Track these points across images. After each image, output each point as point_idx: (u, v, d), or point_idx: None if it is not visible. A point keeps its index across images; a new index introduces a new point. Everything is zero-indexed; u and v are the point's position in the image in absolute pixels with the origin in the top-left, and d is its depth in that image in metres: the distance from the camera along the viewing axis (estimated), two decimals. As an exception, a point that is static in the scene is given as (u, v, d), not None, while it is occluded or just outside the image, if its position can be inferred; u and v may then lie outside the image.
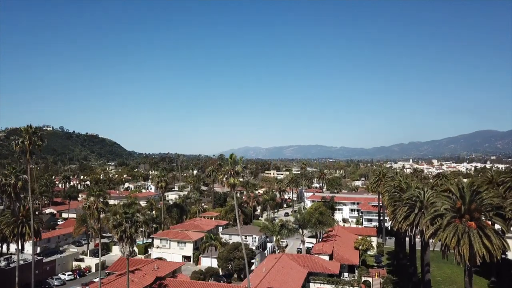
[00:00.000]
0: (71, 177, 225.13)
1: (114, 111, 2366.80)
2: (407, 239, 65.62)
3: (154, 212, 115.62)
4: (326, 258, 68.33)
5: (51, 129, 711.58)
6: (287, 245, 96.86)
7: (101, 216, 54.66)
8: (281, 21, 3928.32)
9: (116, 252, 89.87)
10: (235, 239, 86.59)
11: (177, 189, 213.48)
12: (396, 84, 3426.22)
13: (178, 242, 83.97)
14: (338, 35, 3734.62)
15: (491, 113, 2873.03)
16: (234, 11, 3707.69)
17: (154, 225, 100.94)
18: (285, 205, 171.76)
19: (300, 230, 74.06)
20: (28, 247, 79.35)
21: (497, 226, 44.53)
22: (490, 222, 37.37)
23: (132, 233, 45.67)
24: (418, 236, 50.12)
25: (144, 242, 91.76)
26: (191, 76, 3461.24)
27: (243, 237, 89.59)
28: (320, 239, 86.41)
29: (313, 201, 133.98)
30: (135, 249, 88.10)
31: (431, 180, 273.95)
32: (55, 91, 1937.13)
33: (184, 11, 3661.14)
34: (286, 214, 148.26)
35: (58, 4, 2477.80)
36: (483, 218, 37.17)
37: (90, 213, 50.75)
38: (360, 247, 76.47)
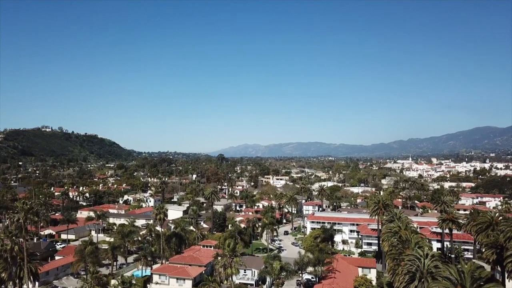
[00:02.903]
0: (70, 188, 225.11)
1: (113, 110, 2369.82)
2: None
3: (153, 235, 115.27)
4: (326, 303, 68.08)
5: (50, 130, 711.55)
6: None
7: None
8: (280, 19, 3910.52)
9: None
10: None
11: (176, 200, 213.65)
12: (395, 81, 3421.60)
13: (177, 279, 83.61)
14: (337, 33, 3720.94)
15: (490, 109, 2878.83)
16: (233, 9, 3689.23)
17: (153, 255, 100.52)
18: (284, 221, 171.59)
19: (299, 272, 73.71)
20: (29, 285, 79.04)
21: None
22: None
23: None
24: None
25: (143, 274, 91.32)
26: (190, 75, 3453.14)
27: (242, 271, 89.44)
28: (320, 271, 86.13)
29: (312, 222, 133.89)
30: (133, 281, 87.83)
31: (431, 186, 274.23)
32: (54, 91, 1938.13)
33: (182, 9, 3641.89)
34: (286, 233, 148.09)
35: (56, 5, 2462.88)
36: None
37: None
38: (360, 286, 76.35)
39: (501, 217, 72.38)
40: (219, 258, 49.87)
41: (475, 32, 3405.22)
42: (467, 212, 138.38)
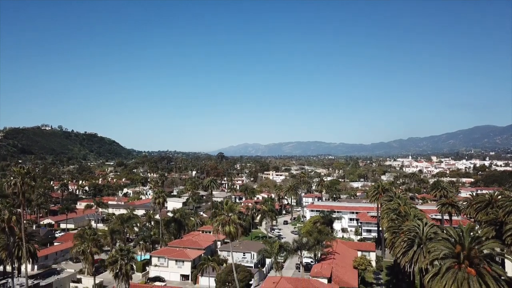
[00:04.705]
0: (69, 182, 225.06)
1: (113, 109, 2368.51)
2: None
3: (152, 223, 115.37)
4: (325, 281, 67.82)
5: (49, 128, 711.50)
6: (286, 260, 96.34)
7: (99, 250, 53.59)
8: (279, 19, 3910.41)
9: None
10: (234, 255, 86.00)
11: (176, 193, 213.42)
12: (395, 80, 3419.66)
13: (176, 261, 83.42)
14: (337, 32, 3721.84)
15: (490, 108, 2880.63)
16: (233, 8, 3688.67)
17: (152, 239, 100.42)
18: (284, 212, 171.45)
19: (299, 252, 73.57)
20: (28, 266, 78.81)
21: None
22: (489, 268, 36.80)
23: (127, 270, 45.12)
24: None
25: (142, 258, 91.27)
26: (190, 74, 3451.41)
27: (242, 253, 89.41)
28: (319, 254, 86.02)
29: (312, 211, 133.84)
30: (133, 266, 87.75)
31: (430, 182, 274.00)
32: (53, 90, 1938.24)
33: (182, 9, 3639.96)
34: (285, 222, 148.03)
35: (56, 4, 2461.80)
36: (482, 264, 36.59)
37: (85, 257, 50.03)
38: (359, 266, 76.15)
39: (500, 196, 72.10)
40: (217, 217, 49.76)
41: (475, 30, 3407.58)
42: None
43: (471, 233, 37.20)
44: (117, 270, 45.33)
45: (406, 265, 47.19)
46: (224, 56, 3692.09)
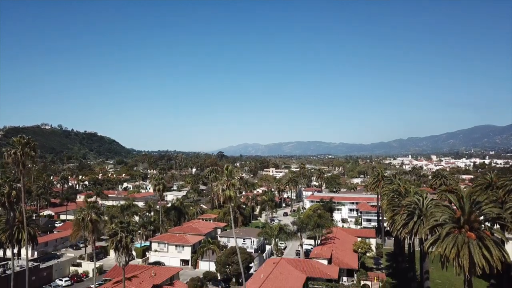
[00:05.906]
0: (69, 177, 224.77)
1: (113, 108, 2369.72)
2: (406, 242, 65.16)
3: (152, 213, 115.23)
4: (325, 262, 67.94)
5: (49, 127, 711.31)
6: (286, 247, 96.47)
7: (99, 218, 53.58)
8: (279, 18, 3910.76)
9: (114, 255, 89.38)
10: (234, 242, 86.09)
11: (175, 188, 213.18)
12: (395, 80, 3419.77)
13: (176, 246, 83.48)
14: (336, 31, 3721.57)
15: (490, 108, 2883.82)
16: (232, 8, 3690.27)
17: (152, 227, 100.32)
18: (284, 205, 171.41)
19: (299, 234, 73.57)
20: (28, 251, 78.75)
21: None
22: (489, 232, 36.85)
23: (128, 242, 45.00)
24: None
25: (142, 245, 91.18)
26: (190, 74, 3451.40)
27: (242, 239, 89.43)
28: (319, 241, 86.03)
29: (312, 201, 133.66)
30: (133, 252, 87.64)
31: (430, 177, 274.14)
32: (53, 89, 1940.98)
33: (182, 8, 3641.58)
34: (285, 214, 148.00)
35: (56, 4, 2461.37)
36: (482, 228, 36.65)
37: (85, 225, 49.96)
38: (359, 250, 76.19)
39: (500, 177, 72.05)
40: (218, 181, 49.93)
41: (475, 30, 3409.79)
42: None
43: (471, 198, 37.18)
44: (117, 243, 45.20)
45: (406, 237, 47.21)
46: (224, 56, 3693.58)
